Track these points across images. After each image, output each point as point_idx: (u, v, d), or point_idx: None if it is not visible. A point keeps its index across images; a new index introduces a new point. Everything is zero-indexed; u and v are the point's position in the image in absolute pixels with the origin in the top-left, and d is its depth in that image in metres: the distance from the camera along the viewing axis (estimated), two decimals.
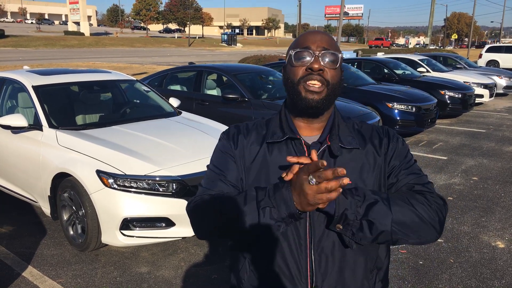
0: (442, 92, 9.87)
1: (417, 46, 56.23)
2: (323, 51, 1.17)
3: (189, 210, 1.27)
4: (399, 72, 10.72)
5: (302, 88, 1.17)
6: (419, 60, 12.72)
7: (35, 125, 3.98)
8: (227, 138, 1.33)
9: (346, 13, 52.79)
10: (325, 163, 0.98)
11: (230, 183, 1.26)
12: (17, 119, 3.89)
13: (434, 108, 8.39)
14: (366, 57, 13.78)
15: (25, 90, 4.28)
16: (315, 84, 1.16)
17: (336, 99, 1.27)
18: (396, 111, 7.80)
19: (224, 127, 4.63)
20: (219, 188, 1.25)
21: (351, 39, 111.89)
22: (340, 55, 1.19)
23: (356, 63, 11.08)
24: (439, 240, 3.96)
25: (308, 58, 1.17)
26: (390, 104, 7.83)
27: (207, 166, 1.34)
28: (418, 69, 12.11)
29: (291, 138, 1.23)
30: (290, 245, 1.19)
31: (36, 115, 4.05)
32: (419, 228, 1.13)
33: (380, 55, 16.63)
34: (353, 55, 21.47)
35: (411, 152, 1.40)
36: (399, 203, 1.13)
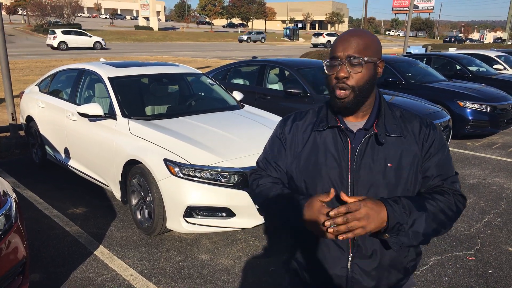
0: None
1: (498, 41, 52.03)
2: (347, 59, 1.30)
3: (250, 193, 1.59)
4: (472, 69, 10.04)
5: (333, 95, 1.35)
6: (495, 56, 11.84)
7: (110, 114, 4.23)
8: (283, 125, 1.53)
9: (416, 6, 50.21)
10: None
11: (279, 168, 1.51)
12: (94, 108, 4.16)
13: (510, 108, 7.79)
14: (436, 53, 13.05)
15: (102, 81, 4.57)
16: (340, 93, 1.33)
17: (384, 93, 1.34)
18: (468, 110, 7.33)
19: None
20: (270, 171, 1.53)
21: (419, 34, 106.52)
22: (365, 58, 1.30)
23: (425, 59, 10.55)
24: (511, 249, 3.71)
25: (335, 68, 1.33)
26: (462, 103, 7.37)
27: (265, 145, 1.61)
28: (494, 66, 11.29)
29: (334, 126, 1.39)
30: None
31: (111, 105, 4.31)
32: (446, 229, 1.36)
33: (452, 50, 15.69)
34: (422, 50, 20.48)
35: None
36: (433, 211, 1.31)
